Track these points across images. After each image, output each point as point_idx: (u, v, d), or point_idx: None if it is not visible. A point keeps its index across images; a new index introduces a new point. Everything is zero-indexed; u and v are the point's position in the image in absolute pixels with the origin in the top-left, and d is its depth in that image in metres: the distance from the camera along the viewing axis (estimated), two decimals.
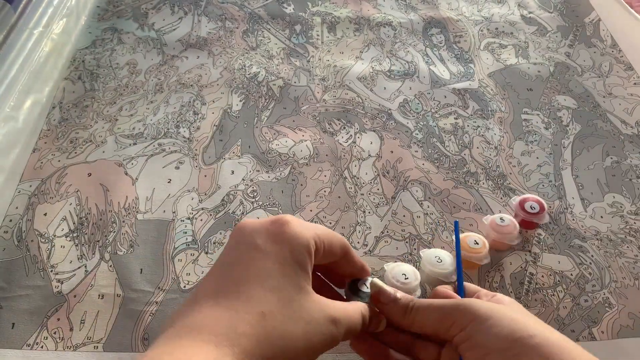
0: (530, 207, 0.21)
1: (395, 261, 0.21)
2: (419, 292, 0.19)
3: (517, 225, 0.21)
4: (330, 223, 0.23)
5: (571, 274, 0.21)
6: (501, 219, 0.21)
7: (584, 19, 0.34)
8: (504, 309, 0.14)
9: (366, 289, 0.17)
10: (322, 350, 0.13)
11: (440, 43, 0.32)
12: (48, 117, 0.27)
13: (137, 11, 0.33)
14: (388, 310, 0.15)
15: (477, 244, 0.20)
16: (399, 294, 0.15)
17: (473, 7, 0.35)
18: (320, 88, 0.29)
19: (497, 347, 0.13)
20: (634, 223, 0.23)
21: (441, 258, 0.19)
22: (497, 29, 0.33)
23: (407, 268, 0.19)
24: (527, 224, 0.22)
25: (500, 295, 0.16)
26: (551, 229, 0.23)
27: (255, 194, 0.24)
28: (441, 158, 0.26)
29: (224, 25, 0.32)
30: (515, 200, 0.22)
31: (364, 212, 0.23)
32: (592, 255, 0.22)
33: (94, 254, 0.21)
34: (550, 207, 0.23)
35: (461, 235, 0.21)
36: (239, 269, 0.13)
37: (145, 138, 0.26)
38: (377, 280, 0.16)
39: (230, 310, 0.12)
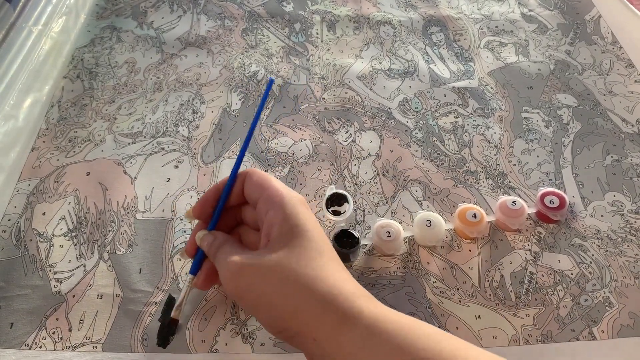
0: (550, 201, 0.21)
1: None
2: (403, 249, 0.21)
3: (527, 212, 0.21)
4: (330, 222, 0.23)
5: (571, 273, 0.21)
6: (514, 202, 0.21)
7: (585, 15, 0.33)
8: (271, 268, 0.13)
9: None
10: None
11: (440, 41, 0.32)
12: (47, 116, 0.27)
13: (136, 9, 0.33)
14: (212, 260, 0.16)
15: (475, 217, 0.21)
16: (207, 241, 0.16)
17: (473, 5, 0.34)
18: (320, 87, 0.29)
19: (261, 322, 0.14)
20: (635, 222, 0.23)
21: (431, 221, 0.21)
22: (497, 27, 0.33)
23: (394, 227, 0.21)
24: (543, 217, 0.22)
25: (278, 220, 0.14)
26: (551, 227, 0.23)
27: None
28: (441, 157, 0.26)
29: (223, 23, 0.32)
30: (540, 191, 0.22)
31: (364, 211, 0.23)
32: (593, 254, 0.22)
33: (92, 253, 0.21)
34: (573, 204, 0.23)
35: (463, 206, 0.22)
36: None
37: (144, 137, 0.26)
38: (199, 236, 0.16)
39: None
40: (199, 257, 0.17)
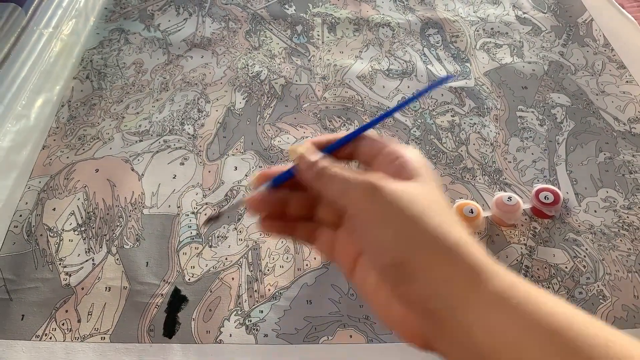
0: (545, 197, 0.22)
1: None
2: None
3: (522, 208, 0.22)
4: None
5: (566, 267, 0.22)
6: (509, 198, 0.22)
7: (577, 19, 0.34)
8: (411, 197, 0.11)
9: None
10: None
11: (438, 43, 0.33)
12: (57, 116, 0.27)
13: (144, 12, 0.34)
14: (304, 175, 0.13)
15: (472, 212, 0.21)
16: (314, 158, 0.13)
17: (469, 8, 0.35)
18: (321, 86, 0.30)
19: (372, 250, 0.12)
20: (627, 217, 0.23)
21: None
22: (492, 29, 0.34)
23: None
24: (538, 212, 0.23)
25: (407, 157, 0.12)
26: (546, 223, 0.23)
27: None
28: (438, 154, 0.26)
29: (228, 25, 0.33)
30: (535, 187, 0.23)
31: None
32: (587, 249, 0.22)
33: (101, 247, 0.22)
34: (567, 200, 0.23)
35: (460, 202, 0.22)
36: None
37: (151, 135, 0.27)
38: (295, 148, 0.14)
39: None
40: (286, 173, 0.14)
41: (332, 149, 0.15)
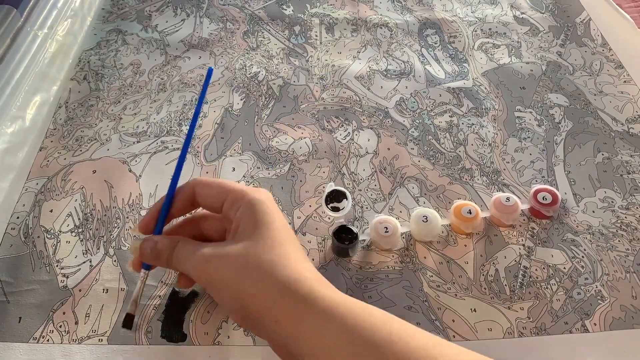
0: (543, 197, 0.22)
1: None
2: (400, 244, 0.21)
3: (520, 208, 0.22)
4: (329, 218, 0.23)
5: (564, 268, 0.22)
6: (507, 198, 0.22)
7: (575, 19, 0.34)
8: (239, 259, 0.14)
9: None
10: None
11: (435, 43, 0.33)
12: (54, 117, 0.27)
13: (141, 13, 0.34)
14: (157, 264, 0.17)
15: (470, 213, 0.21)
16: (149, 247, 0.16)
17: (467, 8, 0.35)
18: (319, 87, 0.30)
19: (225, 311, 0.16)
20: (625, 217, 0.23)
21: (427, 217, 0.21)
22: (490, 29, 0.34)
23: (391, 222, 0.21)
24: (536, 213, 0.23)
25: (241, 213, 0.15)
26: (544, 223, 0.23)
27: None
28: (437, 155, 0.26)
29: (225, 26, 0.33)
30: (533, 188, 0.23)
31: (362, 207, 0.24)
32: (585, 249, 0.22)
33: (98, 249, 0.22)
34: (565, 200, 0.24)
35: (458, 202, 0.22)
36: None
37: (149, 136, 0.27)
38: (133, 246, 0.16)
39: None
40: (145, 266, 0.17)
41: (161, 227, 0.17)
